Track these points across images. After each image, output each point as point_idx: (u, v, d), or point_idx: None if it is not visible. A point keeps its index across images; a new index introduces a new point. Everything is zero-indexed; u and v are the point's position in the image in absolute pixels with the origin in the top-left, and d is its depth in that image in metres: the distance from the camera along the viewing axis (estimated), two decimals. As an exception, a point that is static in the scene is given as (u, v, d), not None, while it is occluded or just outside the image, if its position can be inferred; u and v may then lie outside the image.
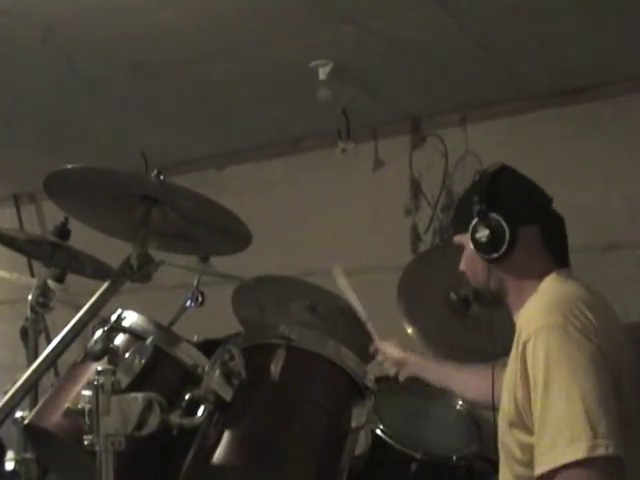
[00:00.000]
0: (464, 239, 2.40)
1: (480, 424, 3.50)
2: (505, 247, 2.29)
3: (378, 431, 3.09)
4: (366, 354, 2.90)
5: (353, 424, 2.20)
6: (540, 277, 2.32)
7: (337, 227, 4.91)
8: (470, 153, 4.55)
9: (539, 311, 2.18)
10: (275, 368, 2.15)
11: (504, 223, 2.29)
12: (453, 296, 3.47)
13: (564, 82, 4.21)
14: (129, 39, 3.67)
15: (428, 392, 3.48)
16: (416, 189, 4.73)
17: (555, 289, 2.27)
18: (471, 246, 2.35)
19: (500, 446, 2.25)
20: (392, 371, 2.97)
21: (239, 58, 3.86)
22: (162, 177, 2.04)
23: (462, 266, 2.48)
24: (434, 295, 3.52)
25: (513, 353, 2.18)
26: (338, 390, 2.26)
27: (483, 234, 2.31)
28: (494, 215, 2.31)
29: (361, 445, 2.29)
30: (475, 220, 2.32)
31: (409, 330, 3.50)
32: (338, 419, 2.20)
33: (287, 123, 4.81)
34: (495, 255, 2.30)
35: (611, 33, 3.62)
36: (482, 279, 2.37)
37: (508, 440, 2.17)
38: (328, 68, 3.89)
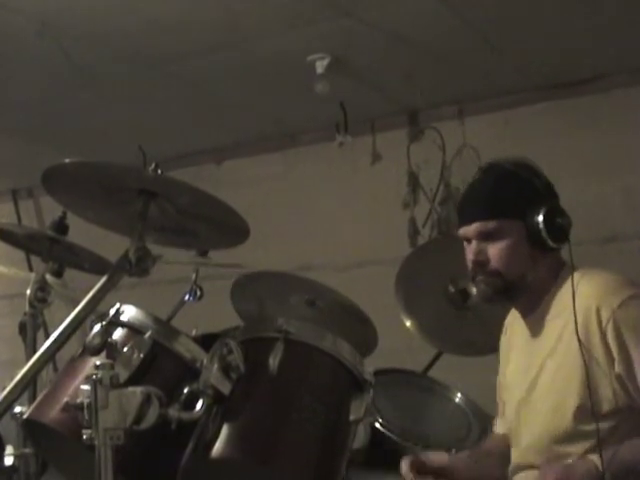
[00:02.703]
0: (507, 224, 2.33)
1: (479, 417, 3.50)
2: (567, 237, 2.32)
3: (377, 424, 3.09)
4: (364, 347, 2.89)
5: (352, 417, 2.19)
6: (558, 269, 2.39)
7: (335, 221, 4.92)
8: (468, 146, 4.55)
9: (614, 287, 2.29)
10: (273, 361, 2.14)
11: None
12: (451, 289, 3.47)
13: (561, 75, 4.21)
14: (126, 32, 3.67)
15: (427, 385, 3.49)
16: (414, 182, 4.73)
17: (600, 272, 2.37)
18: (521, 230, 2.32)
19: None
20: None
21: (237, 52, 3.86)
22: (160, 171, 2.04)
23: (482, 256, 2.35)
24: (432, 288, 3.53)
25: (584, 332, 2.23)
26: (336, 383, 2.25)
27: (562, 221, 2.31)
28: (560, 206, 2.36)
29: (360, 438, 2.29)
30: (549, 206, 2.31)
31: (407, 323, 3.51)
32: (336, 412, 2.20)
33: (285, 117, 4.81)
34: (563, 244, 2.32)
35: (609, 26, 3.63)
36: (523, 268, 2.34)
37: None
38: (326, 62, 3.89)
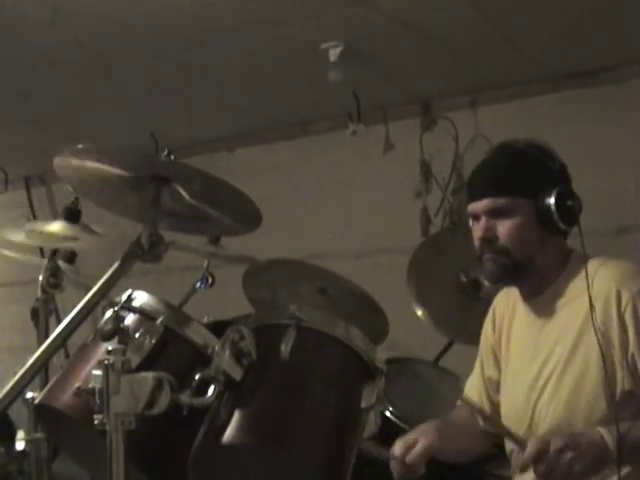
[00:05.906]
0: (518, 203, 2.31)
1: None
2: (577, 220, 2.31)
3: (387, 413, 3.09)
4: (376, 336, 2.89)
5: (363, 404, 2.19)
6: (566, 255, 2.37)
7: (347, 209, 4.92)
8: (480, 136, 4.54)
9: (634, 273, 2.29)
10: (285, 348, 2.14)
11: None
12: (463, 278, 3.47)
13: (575, 64, 4.19)
14: (139, 20, 3.66)
15: (438, 374, 3.49)
16: (426, 172, 4.72)
17: (619, 260, 2.36)
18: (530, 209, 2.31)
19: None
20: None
21: (250, 40, 3.85)
22: (172, 157, 2.04)
23: (491, 233, 2.33)
24: (444, 277, 3.53)
25: (601, 316, 2.23)
26: (348, 370, 2.25)
27: (573, 203, 2.29)
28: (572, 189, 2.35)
29: (370, 427, 2.29)
30: (561, 188, 2.29)
31: (419, 312, 3.51)
32: (348, 399, 2.20)
33: (298, 105, 4.81)
34: (572, 227, 2.31)
35: (624, 15, 3.60)
36: (532, 249, 2.33)
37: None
38: (339, 50, 3.89)
